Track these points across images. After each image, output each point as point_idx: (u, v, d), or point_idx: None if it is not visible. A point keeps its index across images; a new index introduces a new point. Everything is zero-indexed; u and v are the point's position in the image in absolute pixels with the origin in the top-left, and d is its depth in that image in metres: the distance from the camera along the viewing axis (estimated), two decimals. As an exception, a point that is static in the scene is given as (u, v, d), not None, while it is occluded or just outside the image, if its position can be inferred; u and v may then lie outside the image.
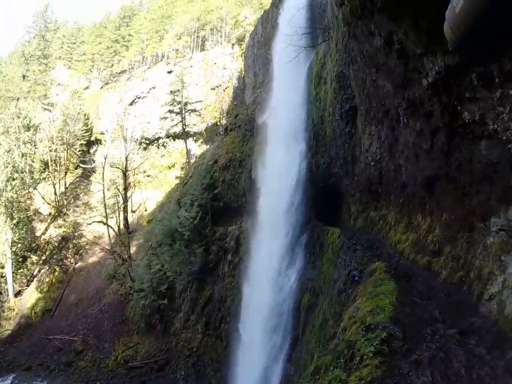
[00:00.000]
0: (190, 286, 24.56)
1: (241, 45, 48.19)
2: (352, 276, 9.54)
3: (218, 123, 45.56)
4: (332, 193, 16.29)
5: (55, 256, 40.36)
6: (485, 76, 4.49)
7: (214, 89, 50.50)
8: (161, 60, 60.39)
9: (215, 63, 51.08)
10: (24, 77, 63.26)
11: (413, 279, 6.85)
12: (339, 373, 4.72)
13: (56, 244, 41.67)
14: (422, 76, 6.23)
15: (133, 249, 36.25)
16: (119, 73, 65.68)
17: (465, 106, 5.40)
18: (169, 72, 54.29)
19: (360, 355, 4.73)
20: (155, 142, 54.51)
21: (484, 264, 4.94)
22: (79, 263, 40.62)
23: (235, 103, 42.85)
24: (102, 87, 63.80)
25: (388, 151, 10.46)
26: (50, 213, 44.89)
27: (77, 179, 51.97)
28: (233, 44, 51.18)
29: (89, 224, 44.37)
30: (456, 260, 5.88)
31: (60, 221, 43.93)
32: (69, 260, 40.86)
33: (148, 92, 56.08)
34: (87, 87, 65.47)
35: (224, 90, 49.21)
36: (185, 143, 48.17)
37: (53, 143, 50.19)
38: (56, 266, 39.54)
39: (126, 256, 33.30)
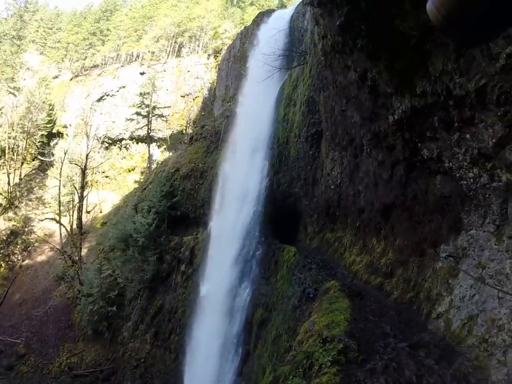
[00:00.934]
0: (141, 294, 23.74)
1: (217, 56, 48.41)
2: (307, 293, 9.91)
3: (184, 131, 45.27)
4: (290, 212, 16.73)
5: (1, 251, 37.60)
6: (446, 119, 5.13)
7: (184, 96, 50.14)
8: (135, 60, 59.20)
9: (188, 71, 50.91)
10: (-7, 55, 59.37)
11: (366, 298, 7.32)
12: (299, 381, 4.97)
13: (4, 238, 38.82)
14: (389, 113, 6.83)
15: (84, 251, 34.69)
16: (91, 67, 63.46)
17: (425, 144, 6.02)
18: (142, 73, 53.43)
19: (319, 364, 5.03)
20: (118, 142, 52.83)
21: (433, 286, 5.49)
22: (27, 261, 38.08)
23: (203, 113, 42.87)
24: (71, 79, 61.37)
25: (348, 176, 11.11)
26: (0, 204, 41.89)
27: (33, 171, 48.99)
28: (209, 55, 51.32)
29: (41, 220, 41.91)
30: (407, 281, 6.43)
31: (11, 214, 41.17)
32: (16, 256, 38.19)
33: (117, 91, 54.63)
34: (57, 76, 62.77)
35: (193, 99, 49.05)
36: (148, 147, 47.33)
37: (13, 130, 47.41)
38: (1, 262, 36.85)
39: (77, 258, 31.86)
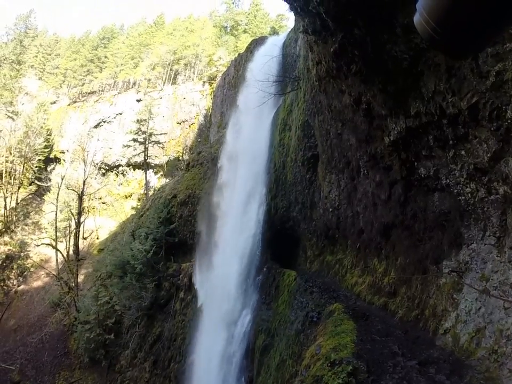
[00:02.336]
0: (139, 322, 23.25)
1: (212, 83, 49.51)
2: (311, 317, 9.77)
3: (181, 158, 45.77)
4: (289, 236, 16.72)
5: None
6: (440, 138, 5.31)
7: (180, 123, 50.98)
8: (132, 87, 60.61)
9: (184, 98, 51.92)
10: (-7, 78, 60.39)
11: (371, 319, 7.25)
12: (309, 405, 4.85)
13: (0, 262, 38.26)
14: (385, 134, 7.03)
15: (80, 278, 34.41)
16: (89, 93, 64.92)
17: (422, 163, 6.18)
18: (138, 100, 54.53)
19: (329, 387, 4.93)
20: (115, 169, 53.33)
21: (438, 302, 5.49)
22: (22, 286, 37.54)
23: (199, 140, 43.52)
24: (69, 104, 62.53)
25: (346, 198, 11.22)
26: None
27: (30, 196, 49.15)
28: (204, 82, 52.45)
29: (37, 245, 41.55)
30: (412, 300, 6.42)
31: (6, 238, 40.87)
32: (12, 281, 37.62)
33: (114, 117, 55.58)
34: (54, 102, 63.95)
35: (189, 126, 49.85)
36: (145, 174, 47.62)
37: (10, 154, 47.77)
38: None
39: (73, 284, 31.54)
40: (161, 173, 48.54)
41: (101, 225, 46.36)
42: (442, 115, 4.84)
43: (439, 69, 4.31)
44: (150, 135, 47.69)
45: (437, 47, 1.39)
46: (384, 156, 7.62)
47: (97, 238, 45.18)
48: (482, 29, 1.22)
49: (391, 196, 7.96)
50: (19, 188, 47.61)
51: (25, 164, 49.49)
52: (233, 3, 77.76)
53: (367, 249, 9.68)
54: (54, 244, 35.97)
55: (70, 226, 38.74)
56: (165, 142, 49.89)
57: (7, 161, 47.08)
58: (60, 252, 34.84)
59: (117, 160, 52.98)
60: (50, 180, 44.88)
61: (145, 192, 45.55)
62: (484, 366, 3.89)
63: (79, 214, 35.07)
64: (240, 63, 32.60)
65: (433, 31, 1.27)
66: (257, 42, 28.78)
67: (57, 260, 36.59)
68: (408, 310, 6.43)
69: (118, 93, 59.38)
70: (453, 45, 1.32)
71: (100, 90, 64.35)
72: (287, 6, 7.44)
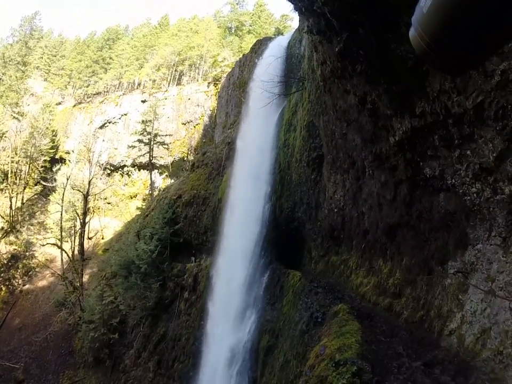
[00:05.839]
0: (143, 322, 23.37)
1: (216, 84, 49.54)
2: (315, 318, 9.76)
3: (186, 158, 45.84)
4: (294, 236, 16.69)
5: (2, 275, 37.46)
6: (446, 137, 5.27)
7: (185, 124, 51.14)
8: (137, 88, 61.03)
9: (189, 99, 52.06)
10: (-1, 79, 61.02)
11: (376, 320, 7.23)
12: (313, 405, 4.85)
13: (5, 262, 38.74)
14: (390, 134, 7.01)
15: (85, 278, 34.79)
16: (94, 94, 65.62)
17: (427, 163, 6.14)
18: (143, 101, 54.79)
19: (333, 387, 4.92)
20: (120, 169, 53.71)
21: (443, 303, 5.45)
22: (28, 285, 37.98)
23: (204, 140, 43.63)
24: (74, 105, 63.11)
25: (351, 199, 11.17)
26: (2, 227, 42.03)
27: (35, 196, 49.73)
28: (209, 83, 52.56)
29: (43, 245, 42.05)
30: (417, 300, 6.38)
31: (12, 238, 41.39)
32: (17, 281, 38.10)
33: (120, 118, 55.95)
34: (60, 103, 64.67)
35: (194, 127, 50.00)
36: (150, 174, 47.84)
37: (16, 154, 48.42)
38: (2, 285, 36.63)
39: (78, 284, 31.86)
40: (166, 173, 48.73)
41: (106, 225, 46.81)
42: (447, 115, 4.82)
43: (444, 68, 4.28)
44: (155, 135, 47.84)
45: (431, 62, 1.38)
46: (389, 156, 7.58)
47: (102, 238, 45.60)
48: (477, 46, 1.20)
49: (396, 196, 7.92)
50: (25, 188, 48.22)
51: (31, 164, 50.12)
52: (237, 4, 77.87)
53: (372, 249, 9.63)
54: (59, 243, 36.39)
55: (75, 226, 39.09)
56: (170, 142, 50.04)
57: (12, 162, 47.77)
58: (65, 252, 35.21)
59: (122, 160, 53.37)
60: (55, 180, 45.17)
61: (150, 192, 45.79)
62: (489, 367, 3.86)
63: (84, 214, 35.37)
64: (245, 63, 32.57)
65: (428, 47, 1.26)
66: (262, 42, 28.69)
67: (62, 259, 37.02)
68: (413, 311, 6.39)
69: (123, 93, 59.79)
70: (448, 61, 1.30)
71: (105, 91, 64.91)
72: (291, 6, 7.45)
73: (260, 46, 27.72)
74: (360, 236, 10.61)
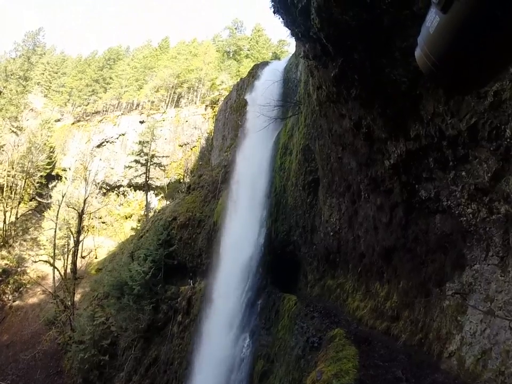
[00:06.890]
0: (135, 344, 22.69)
1: (214, 107, 50.32)
2: (311, 342, 9.56)
3: (182, 180, 46.06)
4: (290, 260, 16.56)
5: None
6: (441, 159, 5.37)
7: (182, 146, 51.58)
8: (135, 109, 61.74)
9: (186, 121, 52.70)
10: (0, 92, 61.25)
11: (374, 344, 7.09)
12: (310, 431, 4.67)
13: None
14: (385, 157, 7.11)
15: (77, 297, 33.98)
16: (93, 113, 66.30)
17: (422, 185, 6.21)
18: (142, 122, 55.35)
19: (331, 413, 4.76)
20: (116, 189, 53.72)
21: (442, 325, 5.38)
22: (17, 302, 37.22)
23: (200, 163, 43.87)
24: (73, 123, 63.63)
25: (347, 222, 11.19)
26: None
27: (30, 211, 49.49)
28: (206, 105, 53.29)
29: (35, 261, 41.35)
30: (415, 323, 6.29)
31: (4, 252, 40.89)
32: (7, 296, 37.39)
33: (117, 138, 56.37)
34: (59, 120, 65.22)
35: (191, 149, 50.43)
36: (146, 195, 47.75)
37: (13, 168, 48.41)
38: None
39: (69, 303, 31.02)
40: (162, 194, 48.73)
41: (100, 245, 46.34)
42: (442, 137, 4.93)
43: (438, 91, 4.43)
44: (152, 156, 48.18)
45: (437, 82, 1.42)
46: (385, 179, 7.66)
47: (96, 258, 45.07)
48: (484, 66, 1.22)
49: (392, 219, 7.95)
50: (19, 203, 48.02)
51: (27, 179, 50.05)
52: (236, 28, 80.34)
53: (369, 273, 9.57)
54: (51, 261, 35.81)
55: (68, 244, 38.67)
56: (166, 164, 50.32)
57: (8, 176, 47.69)
58: (57, 270, 34.59)
59: (118, 180, 53.48)
60: (51, 197, 45.11)
61: (146, 213, 45.63)
62: (491, 389, 3.78)
63: (78, 232, 34.95)
64: (242, 87, 33.14)
65: (434, 66, 1.27)
66: (259, 67, 29.22)
67: (54, 277, 36.35)
68: (411, 334, 6.29)
69: (122, 113, 60.49)
70: (453, 80, 1.32)
71: (103, 111, 65.69)
72: (288, 32, 7.70)
73: (257, 70, 28.31)
74: (356, 259, 10.55)
